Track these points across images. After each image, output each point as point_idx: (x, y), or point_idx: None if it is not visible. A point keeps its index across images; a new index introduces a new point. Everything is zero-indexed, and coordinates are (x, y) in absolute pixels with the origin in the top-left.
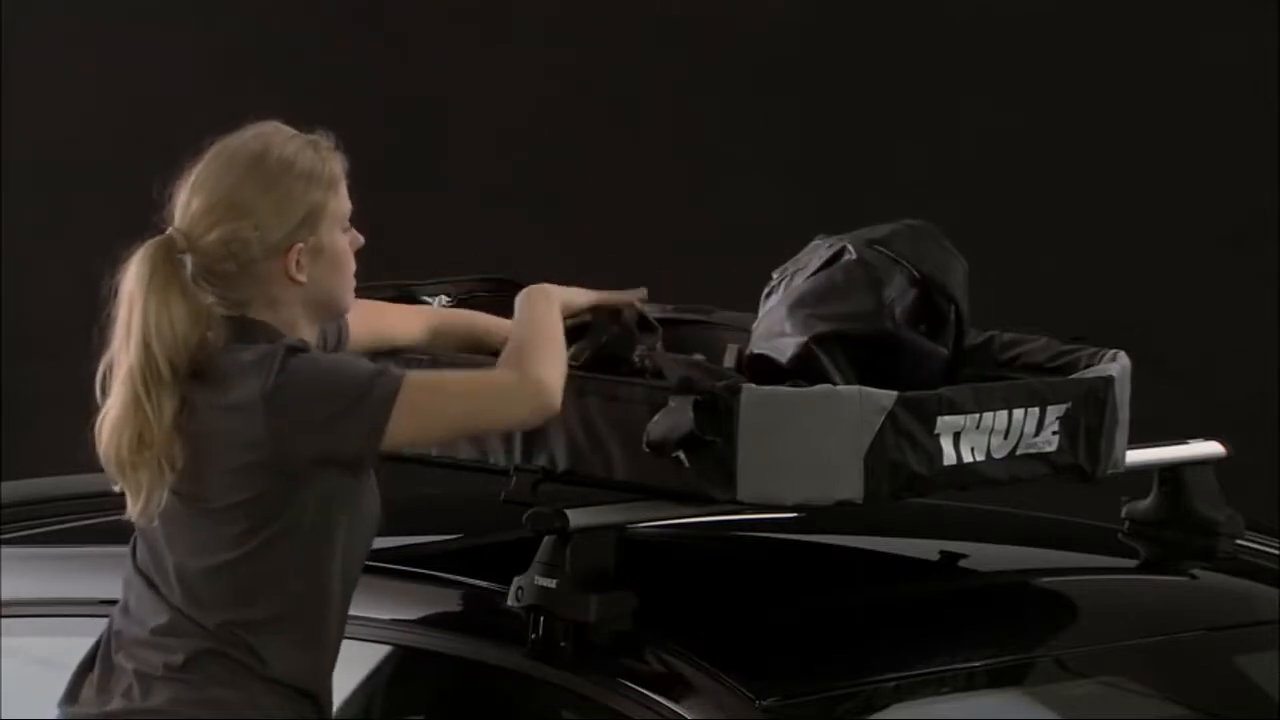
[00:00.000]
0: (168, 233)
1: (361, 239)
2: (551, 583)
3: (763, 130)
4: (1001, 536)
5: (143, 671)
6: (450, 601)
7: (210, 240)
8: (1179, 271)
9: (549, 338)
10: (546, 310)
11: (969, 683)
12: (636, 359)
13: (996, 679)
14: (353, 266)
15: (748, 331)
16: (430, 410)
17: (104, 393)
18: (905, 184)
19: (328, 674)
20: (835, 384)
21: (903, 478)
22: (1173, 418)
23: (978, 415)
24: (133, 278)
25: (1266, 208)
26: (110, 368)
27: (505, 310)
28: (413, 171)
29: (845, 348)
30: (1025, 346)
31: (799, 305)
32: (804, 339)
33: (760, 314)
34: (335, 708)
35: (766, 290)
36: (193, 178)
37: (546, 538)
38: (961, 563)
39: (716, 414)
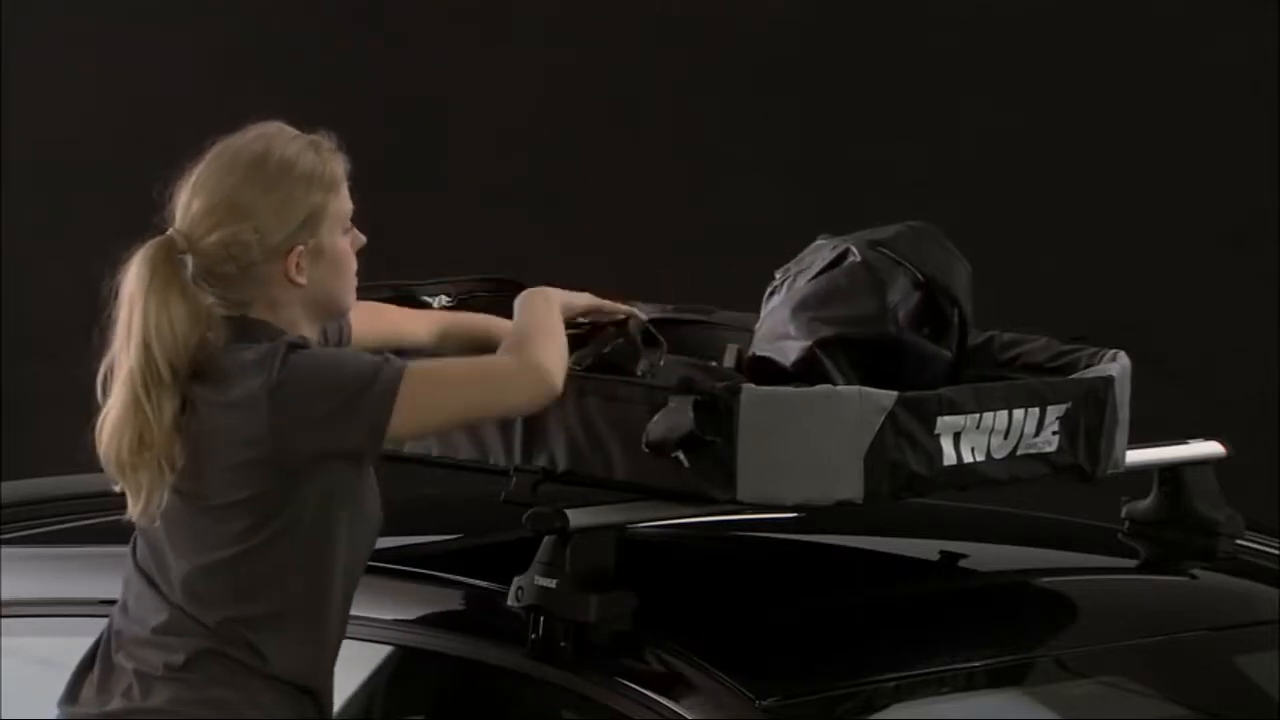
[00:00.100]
0: (168, 234)
1: (363, 238)
2: (551, 583)
3: (763, 130)
4: (1001, 536)
5: (143, 671)
6: (450, 601)
7: (210, 242)
8: (1179, 271)
9: (548, 329)
10: (546, 309)
11: (969, 683)
12: (640, 374)
13: (996, 679)
14: (354, 267)
15: (748, 332)
16: (432, 401)
17: (105, 393)
18: (905, 184)
19: (329, 671)
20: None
21: (903, 478)
22: (1173, 418)
23: (978, 415)
24: (133, 279)
25: (1266, 208)
26: (111, 368)
27: (505, 310)
28: (413, 171)
29: (848, 351)
30: (1025, 346)
31: (802, 308)
32: (808, 343)
33: (763, 314)
34: (336, 708)
35: (769, 290)
36: (194, 178)
37: (546, 538)
38: (961, 563)
39: (716, 414)
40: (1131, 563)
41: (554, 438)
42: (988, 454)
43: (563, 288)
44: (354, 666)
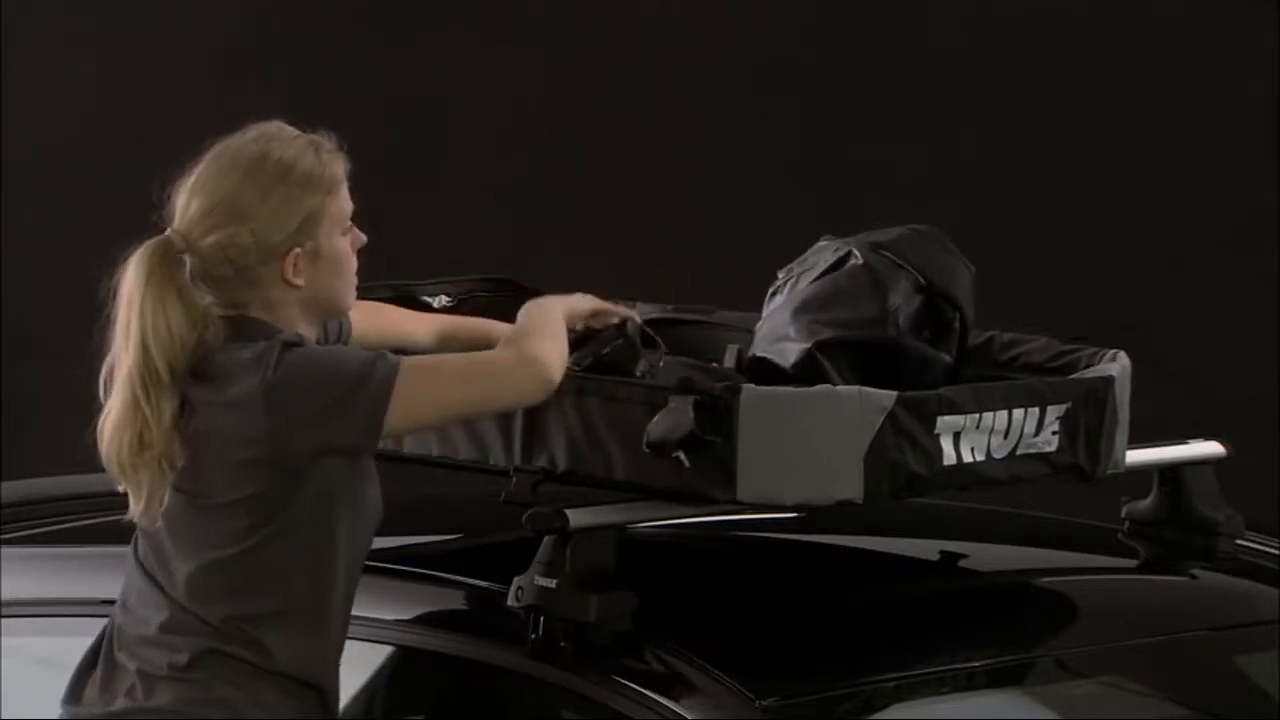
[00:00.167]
0: (166, 234)
1: (364, 237)
2: (551, 583)
3: (763, 130)
4: (1001, 536)
5: (146, 671)
6: (450, 601)
7: (207, 244)
8: (1179, 271)
9: (549, 327)
10: (548, 311)
11: (969, 683)
12: (639, 374)
13: (996, 679)
14: (353, 266)
15: (748, 332)
16: (428, 395)
17: (106, 393)
18: (905, 184)
19: (333, 666)
20: None
21: (902, 478)
22: (1173, 418)
23: (977, 415)
24: (130, 280)
25: (1266, 208)
26: (112, 369)
27: (505, 311)
28: (413, 171)
29: (848, 354)
30: (1025, 346)
31: (803, 310)
32: (807, 345)
33: (764, 314)
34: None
35: (771, 290)
36: (192, 179)
37: (546, 538)
38: (961, 563)
39: (716, 414)
40: (1131, 563)
41: (554, 438)
42: (987, 454)
43: (562, 289)
44: (354, 666)
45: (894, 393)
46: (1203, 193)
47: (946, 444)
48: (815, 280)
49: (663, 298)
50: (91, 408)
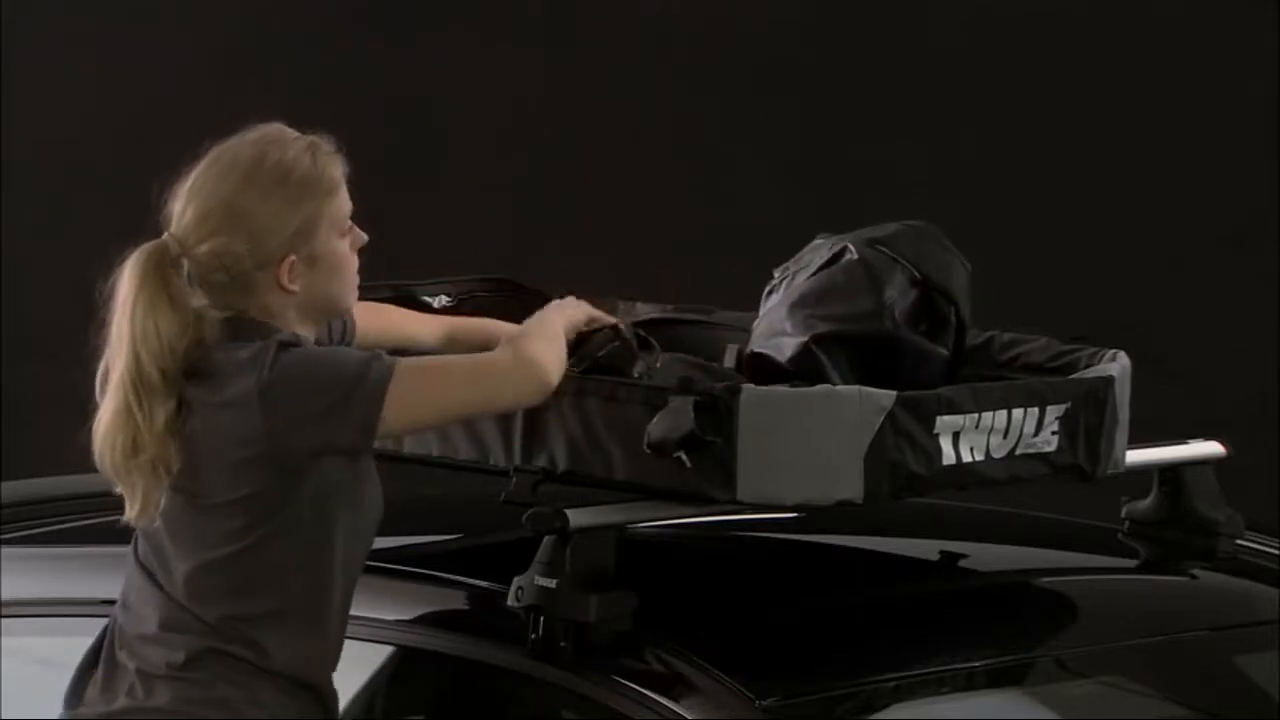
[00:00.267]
0: (162, 239)
1: (364, 237)
2: (551, 583)
3: (763, 130)
4: (1001, 536)
5: (145, 670)
6: (450, 601)
7: (203, 251)
8: (1179, 271)
9: (548, 329)
10: (548, 316)
11: (969, 683)
12: (636, 375)
13: (996, 679)
14: (353, 267)
15: (748, 331)
16: (424, 395)
17: (101, 396)
18: (905, 184)
19: (330, 666)
20: (834, 384)
21: (902, 478)
22: (1173, 418)
23: (977, 415)
24: (124, 284)
25: (1266, 208)
26: (107, 372)
27: (505, 311)
28: (413, 171)
29: (845, 348)
30: (1025, 346)
31: (799, 305)
32: (804, 339)
33: (761, 312)
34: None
35: (768, 289)
36: (189, 183)
37: (546, 538)
38: (961, 563)
39: (716, 414)
40: (1131, 563)
41: (554, 438)
42: (987, 454)
43: (562, 289)
44: (354, 666)
45: (893, 393)
46: (1203, 193)
47: (946, 444)
48: (811, 276)
49: (663, 298)
50: (91, 408)
